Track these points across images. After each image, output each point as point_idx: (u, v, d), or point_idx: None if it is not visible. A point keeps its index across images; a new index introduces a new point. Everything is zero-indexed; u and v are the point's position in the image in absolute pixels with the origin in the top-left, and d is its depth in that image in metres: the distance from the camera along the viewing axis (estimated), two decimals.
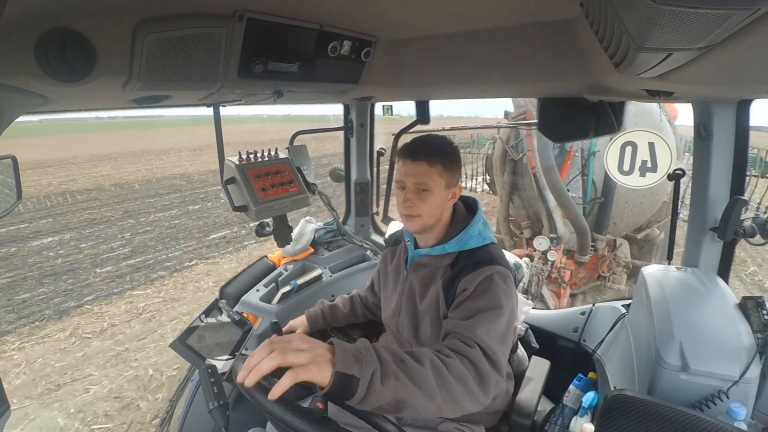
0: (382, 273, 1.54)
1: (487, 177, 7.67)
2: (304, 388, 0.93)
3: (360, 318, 1.71)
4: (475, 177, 9.32)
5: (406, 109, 2.51)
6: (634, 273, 5.89)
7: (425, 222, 1.25)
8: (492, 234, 1.32)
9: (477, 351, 1.00)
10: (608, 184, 5.46)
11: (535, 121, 1.88)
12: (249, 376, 0.76)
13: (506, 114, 5.97)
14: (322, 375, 0.77)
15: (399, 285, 1.39)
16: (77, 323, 5.55)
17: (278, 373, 0.78)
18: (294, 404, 0.83)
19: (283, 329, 1.60)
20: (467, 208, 1.36)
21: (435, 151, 1.21)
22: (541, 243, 5.15)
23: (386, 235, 2.48)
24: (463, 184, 9.66)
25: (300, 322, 1.64)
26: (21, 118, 0.92)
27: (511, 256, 1.56)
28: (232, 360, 1.40)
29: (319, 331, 1.72)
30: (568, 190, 5.25)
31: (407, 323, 1.33)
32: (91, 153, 25.25)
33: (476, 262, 1.20)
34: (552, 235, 5.41)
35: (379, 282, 1.57)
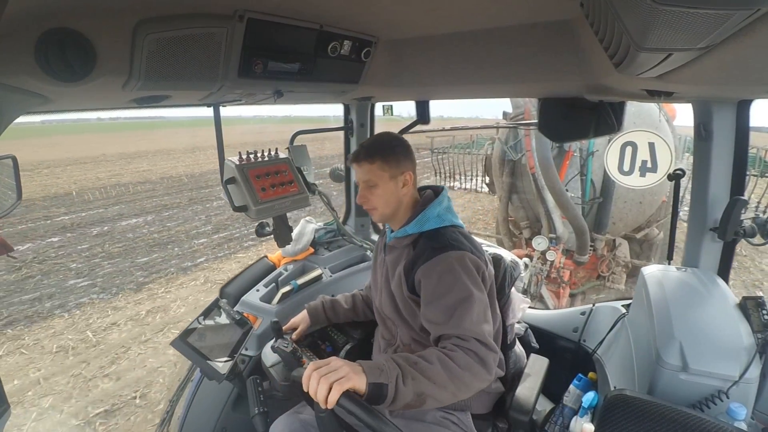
0: (374, 261, 1.61)
1: (486, 178, 7.68)
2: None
3: (360, 316, 1.71)
4: (474, 177, 9.32)
5: (406, 109, 2.51)
6: (633, 273, 5.90)
7: (383, 211, 1.39)
8: (455, 219, 1.39)
9: (472, 341, 1.13)
10: (607, 183, 5.46)
11: (535, 121, 1.88)
12: (326, 405, 0.96)
13: (505, 114, 5.98)
14: (360, 383, 0.98)
15: (379, 267, 1.51)
16: (204, 275, 7.14)
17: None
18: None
19: (284, 327, 1.61)
20: (435, 194, 1.44)
21: (373, 151, 1.35)
22: (540, 243, 5.15)
23: None
24: (464, 185, 9.71)
25: (301, 317, 1.66)
26: (27, 119, 0.92)
27: (508, 254, 1.57)
28: (231, 362, 1.40)
29: (319, 330, 1.72)
30: (567, 190, 5.25)
31: (387, 302, 1.42)
32: (118, 151, 26.98)
33: (433, 247, 1.28)
34: (551, 235, 5.41)
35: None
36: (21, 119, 0.90)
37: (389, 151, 1.36)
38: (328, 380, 0.96)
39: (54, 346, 5.06)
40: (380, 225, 2.60)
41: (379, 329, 1.55)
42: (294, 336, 1.60)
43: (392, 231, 1.46)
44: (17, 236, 9.52)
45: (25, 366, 4.64)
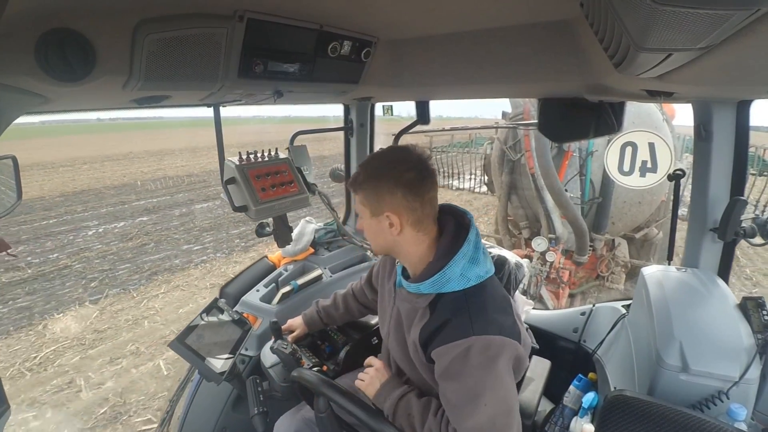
0: (380, 281, 1.41)
1: (485, 177, 7.69)
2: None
3: (356, 315, 1.68)
4: (473, 177, 9.32)
5: (406, 109, 2.51)
6: (632, 272, 5.90)
7: (376, 247, 1.20)
8: (481, 269, 1.10)
9: None
10: (606, 183, 5.46)
11: (534, 121, 1.88)
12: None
13: (504, 114, 5.97)
14: (369, 395, 1.24)
15: (390, 307, 1.29)
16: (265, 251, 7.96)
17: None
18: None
19: (283, 327, 1.61)
20: (459, 232, 1.13)
21: (357, 181, 1.13)
22: (539, 244, 5.14)
23: None
24: (464, 185, 9.74)
25: (298, 323, 1.65)
26: (30, 119, 0.92)
27: (511, 255, 1.56)
28: (229, 363, 1.40)
29: (319, 330, 1.72)
30: (566, 190, 5.25)
31: (396, 347, 1.25)
32: (143, 149, 28.30)
33: (453, 326, 1.03)
34: (550, 236, 5.41)
35: (377, 286, 1.47)
36: (24, 119, 0.91)
37: (372, 183, 1.10)
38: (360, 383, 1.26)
39: (207, 284, 6.60)
40: None
41: (386, 350, 1.42)
42: (290, 339, 1.60)
43: (402, 272, 1.22)
44: (107, 216, 11.05)
45: (191, 297, 6.09)
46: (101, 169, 19.52)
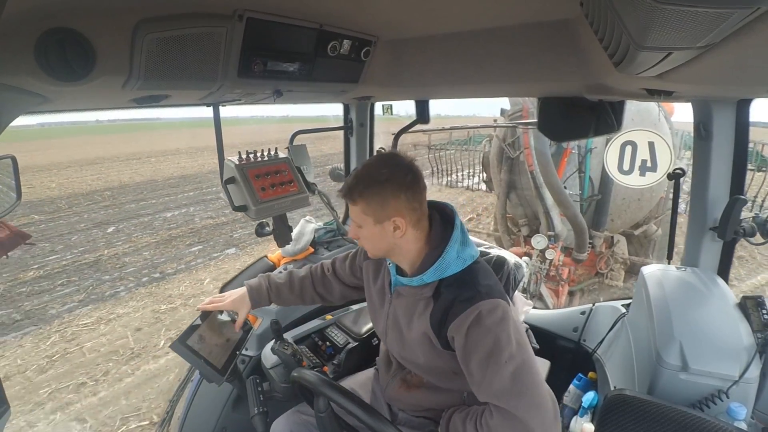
0: (366, 285, 1.42)
1: (484, 175, 7.68)
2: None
3: (307, 302, 1.54)
4: (471, 175, 9.29)
5: (404, 108, 2.51)
6: (631, 269, 5.91)
7: (375, 253, 1.22)
8: (472, 249, 1.19)
9: (533, 411, 0.97)
10: (605, 181, 5.44)
11: (534, 120, 1.87)
12: None
13: (503, 112, 5.94)
14: None
15: (384, 306, 1.32)
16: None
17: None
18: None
19: (203, 307, 1.43)
20: (445, 223, 1.22)
21: (356, 190, 1.13)
22: (539, 241, 5.13)
23: None
24: (463, 182, 9.70)
25: (241, 300, 1.44)
26: (25, 121, 0.92)
27: (510, 256, 1.56)
28: (230, 364, 1.40)
29: (319, 331, 1.71)
30: (565, 188, 5.24)
31: (396, 346, 1.30)
32: (151, 149, 28.82)
33: (461, 300, 1.10)
34: (549, 233, 5.41)
35: (366, 288, 1.44)
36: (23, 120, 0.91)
37: (375, 190, 1.12)
38: None
39: None
40: None
41: (385, 350, 1.44)
42: (237, 323, 1.44)
43: (397, 271, 1.26)
44: (159, 206, 11.99)
45: None
46: (116, 169, 20.02)
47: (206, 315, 1.42)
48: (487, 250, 1.53)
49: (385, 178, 1.12)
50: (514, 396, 0.98)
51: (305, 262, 2.15)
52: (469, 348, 1.07)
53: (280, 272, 1.54)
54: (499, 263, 1.49)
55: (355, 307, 2.01)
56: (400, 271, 1.26)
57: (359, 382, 1.55)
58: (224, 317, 1.49)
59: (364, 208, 1.14)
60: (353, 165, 2.45)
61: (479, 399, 1.06)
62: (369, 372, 1.60)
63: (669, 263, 1.69)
